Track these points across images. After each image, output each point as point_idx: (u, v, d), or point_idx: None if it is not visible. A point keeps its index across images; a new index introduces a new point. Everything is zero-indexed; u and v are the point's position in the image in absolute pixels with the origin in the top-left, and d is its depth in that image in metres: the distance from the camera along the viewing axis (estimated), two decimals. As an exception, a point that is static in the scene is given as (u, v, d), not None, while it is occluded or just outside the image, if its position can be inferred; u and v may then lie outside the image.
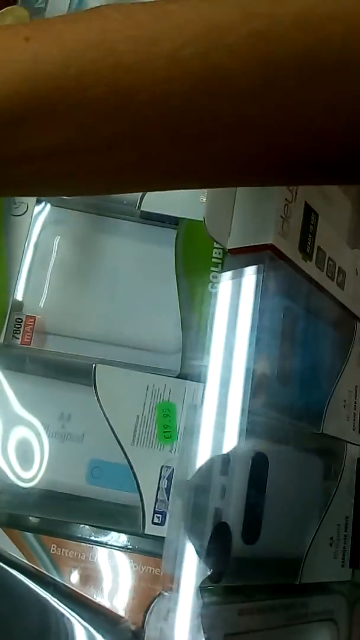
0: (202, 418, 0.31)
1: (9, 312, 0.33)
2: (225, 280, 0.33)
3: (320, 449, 0.36)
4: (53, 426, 0.32)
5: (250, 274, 0.32)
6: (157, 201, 0.35)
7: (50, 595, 0.29)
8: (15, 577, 0.29)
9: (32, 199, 0.34)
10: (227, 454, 0.30)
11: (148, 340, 0.34)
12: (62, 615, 0.29)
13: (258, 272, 0.32)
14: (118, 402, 0.32)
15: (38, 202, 0.35)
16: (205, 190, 0.34)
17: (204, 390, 0.32)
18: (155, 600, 0.29)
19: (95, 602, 0.29)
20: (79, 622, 0.29)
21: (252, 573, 0.31)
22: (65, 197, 0.35)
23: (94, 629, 0.28)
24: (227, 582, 0.29)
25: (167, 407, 0.32)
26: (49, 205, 0.36)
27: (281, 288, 0.33)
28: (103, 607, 0.29)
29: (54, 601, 0.29)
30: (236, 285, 0.33)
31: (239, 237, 0.33)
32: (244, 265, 0.33)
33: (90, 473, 0.31)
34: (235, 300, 0.32)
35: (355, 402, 0.39)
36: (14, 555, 0.29)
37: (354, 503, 0.37)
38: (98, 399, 0.31)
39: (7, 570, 0.29)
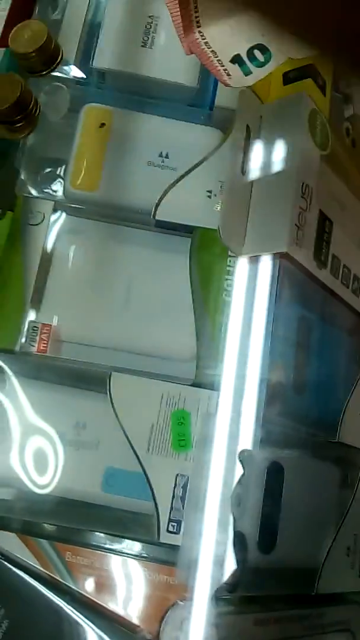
0: (217, 426, 0.31)
1: (25, 320, 0.33)
2: (239, 287, 0.33)
3: (336, 457, 0.36)
4: (68, 434, 0.32)
5: (264, 281, 0.32)
6: (172, 210, 0.35)
7: (65, 603, 0.29)
8: (30, 584, 0.29)
9: (49, 209, 0.35)
10: (242, 462, 0.30)
11: (162, 348, 0.35)
12: (77, 623, 0.29)
13: (272, 279, 0.32)
14: (133, 410, 0.32)
15: (54, 211, 0.35)
16: (220, 199, 0.35)
17: (218, 398, 0.32)
18: (170, 610, 0.29)
19: (110, 611, 0.29)
20: (94, 631, 0.29)
21: (268, 583, 0.31)
22: (80, 207, 0.36)
23: (110, 637, 0.29)
24: (242, 592, 0.29)
25: (182, 415, 0.32)
26: (64, 215, 0.36)
27: (296, 296, 0.33)
28: (119, 616, 0.29)
29: (69, 609, 0.29)
30: (250, 292, 0.33)
31: (254, 246, 0.33)
32: (258, 274, 0.33)
33: (105, 481, 0.31)
34: (250, 308, 0.32)
35: (371, 411, 0.39)
36: (30, 562, 0.30)
37: (371, 513, 0.37)
38: (113, 407, 0.32)
39: (22, 577, 0.29)
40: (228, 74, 0.24)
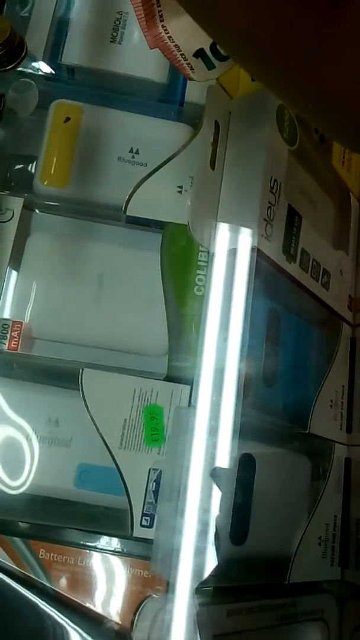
0: (189, 420, 0.31)
1: (-5, 317, 0.33)
2: (211, 281, 0.33)
3: (307, 449, 0.36)
4: (41, 431, 0.32)
5: (234, 275, 0.33)
6: (143, 205, 0.35)
7: (39, 600, 0.29)
8: (5, 582, 0.29)
9: (19, 206, 0.35)
10: (214, 456, 0.31)
11: (135, 343, 0.35)
12: (53, 619, 0.29)
13: (243, 273, 0.32)
14: (105, 406, 0.32)
15: (24, 208, 0.35)
16: (191, 194, 0.35)
17: (190, 392, 0.32)
18: (145, 602, 0.29)
19: (83, 606, 0.29)
20: (69, 626, 0.29)
21: (240, 574, 0.31)
22: (51, 203, 0.35)
23: (84, 631, 0.29)
24: (215, 583, 0.29)
25: (155, 410, 0.32)
26: (35, 211, 0.36)
27: (266, 289, 0.33)
28: (91, 610, 0.29)
29: (43, 606, 0.29)
30: (221, 286, 0.33)
31: (224, 240, 0.33)
32: (229, 268, 0.33)
33: (79, 477, 0.31)
34: (222, 301, 0.33)
35: (342, 402, 0.39)
36: (2, 560, 0.29)
37: (342, 502, 0.38)
38: (85, 403, 0.32)
39: (-5, 576, 0.29)
40: (192, 68, 0.24)
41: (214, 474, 0.29)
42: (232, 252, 0.33)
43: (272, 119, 0.34)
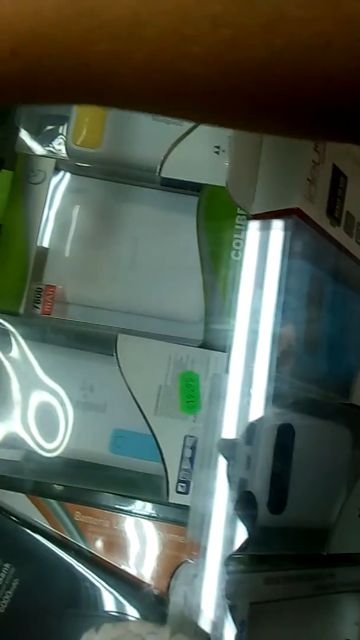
0: (226, 387, 0.30)
1: (28, 282, 0.32)
2: (251, 246, 0.32)
3: (348, 419, 0.35)
4: (75, 396, 0.32)
5: (275, 239, 0.31)
6: (178, 167, 0.34)
7: (75, 561, 0.29)
8: (40, 543, 0.29)
9: (50, 167, 0.34)
10: (253, 424, 0.30)
11: (170, 309, 0.34)
12: (88, 581, 0.29)
13: (285, 235, 0.31)
14: (140, 372, 0.31)
15: (56, 169, 0.34)
16: (228, 155, 0.33)
17: (227, 359, 0.31)
18: (180, 567, 0.29)
19: (118, 568, 0.29)
20: (104, 588, 0.29)
21: (278, 542, 0.30)
22: (83, 165, 0.34)
23: (119, 594, 0.29)
24: (253, 551, 0.29)
25: (190, 377, 0.32)
26: (67, 174, 0.35)
27: (308, 254, 0.32)
28: (126, 573, 0.29)
29: (78, 567, 0.29)
30: (261, 250, 0.31)
31: (264, 202, 0.32)
32: (269, 231, 0.32)
33: (114, 442, 0.31)
34: (261, 266, 0.31)
35: (384, 373, 0.38)
36: (39, 522, 0.30)
37: (383, 475, 0.36)
38: (120, 369, 0.31)
39: (32, 536, 0.29)
40: None
41: (220, 444, 0.28)
42: (272, 214, 0.32)
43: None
